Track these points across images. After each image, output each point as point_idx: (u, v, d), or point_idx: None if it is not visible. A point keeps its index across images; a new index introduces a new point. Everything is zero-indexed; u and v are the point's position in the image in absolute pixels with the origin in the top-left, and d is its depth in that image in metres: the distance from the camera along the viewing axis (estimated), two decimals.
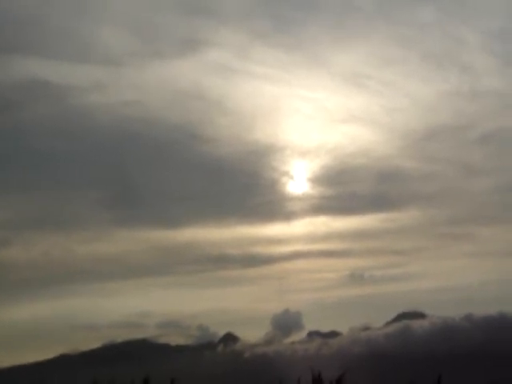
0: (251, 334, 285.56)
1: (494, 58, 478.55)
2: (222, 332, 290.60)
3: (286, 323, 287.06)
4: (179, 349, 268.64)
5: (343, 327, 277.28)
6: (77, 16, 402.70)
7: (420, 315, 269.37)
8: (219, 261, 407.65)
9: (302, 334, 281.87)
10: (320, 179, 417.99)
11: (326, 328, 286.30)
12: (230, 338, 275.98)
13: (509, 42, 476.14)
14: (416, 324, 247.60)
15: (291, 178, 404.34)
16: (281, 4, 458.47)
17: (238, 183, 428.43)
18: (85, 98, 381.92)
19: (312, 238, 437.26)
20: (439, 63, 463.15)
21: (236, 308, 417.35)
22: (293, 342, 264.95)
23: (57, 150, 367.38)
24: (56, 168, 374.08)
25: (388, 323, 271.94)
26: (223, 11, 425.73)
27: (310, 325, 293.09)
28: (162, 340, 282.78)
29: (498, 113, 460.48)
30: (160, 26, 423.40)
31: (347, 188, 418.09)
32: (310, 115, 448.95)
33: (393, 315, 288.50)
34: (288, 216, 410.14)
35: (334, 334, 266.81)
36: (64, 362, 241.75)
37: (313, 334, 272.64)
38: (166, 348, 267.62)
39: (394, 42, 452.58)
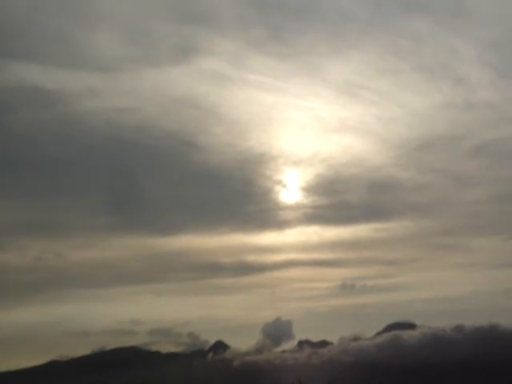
0: (242, 343, 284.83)
1: (488, 69, 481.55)
2: (212, 340, 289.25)
3: (276, 332, 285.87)
4: (170, 356, 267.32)
5: (333, 337, 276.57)
6: (71, 22, 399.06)
7: (410, 326, 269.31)
8: (211, 269, 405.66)
9: (293, 343, 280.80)
10: (313, 188, 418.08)
11: (316, 337, 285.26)
12: (220, 346, 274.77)
13: (503, 54, 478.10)
14: (406, 335, 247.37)
15: (284, 186, 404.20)
16: (276, 13, 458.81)
17: (231, 191, 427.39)
18: (79, 104, 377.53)
19: (304, 247, 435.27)
20: (434, 74, 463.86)
21: (227, 316, 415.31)
22: (283, 351, 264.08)
23: (50, 155, 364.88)
24: (49, 174, 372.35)
25: (378, 333, 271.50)
26: (218, 19, 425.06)
27: (300, 334, 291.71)
28: (153, 347, 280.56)
29: (492, 124, 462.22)
30: (155, 33, 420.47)
31: (340, 198, 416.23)
32: (304, 124, 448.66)
33: (383, 325, 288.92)
34: (281, 225, 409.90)
35: (324, 344, 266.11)
36: (53, 369, 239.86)
37: (303, 343, 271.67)
38: (156, 355, 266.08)
39: (388, 52, 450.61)
